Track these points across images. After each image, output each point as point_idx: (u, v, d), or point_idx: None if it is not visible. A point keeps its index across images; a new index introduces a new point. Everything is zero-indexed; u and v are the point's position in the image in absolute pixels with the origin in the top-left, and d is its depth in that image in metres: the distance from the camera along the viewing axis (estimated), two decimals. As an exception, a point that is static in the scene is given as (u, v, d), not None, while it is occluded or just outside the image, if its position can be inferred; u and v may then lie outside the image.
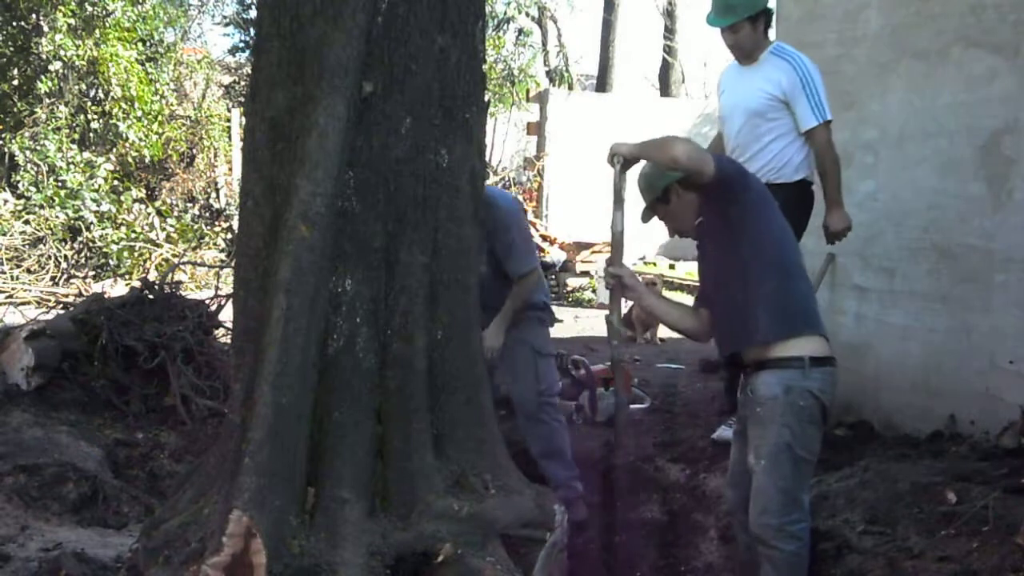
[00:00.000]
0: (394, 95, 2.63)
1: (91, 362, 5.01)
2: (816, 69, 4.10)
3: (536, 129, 14.19)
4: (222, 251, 10.93)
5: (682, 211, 3.11)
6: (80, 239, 9.73)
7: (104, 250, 9.73)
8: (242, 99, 13.55)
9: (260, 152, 2.64)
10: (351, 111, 2.55)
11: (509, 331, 3.92)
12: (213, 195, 12.87)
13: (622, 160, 3.12)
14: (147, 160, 11.87)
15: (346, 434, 2.55)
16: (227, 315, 4.43)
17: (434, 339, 2.73)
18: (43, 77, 10.67)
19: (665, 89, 19.40)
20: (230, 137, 13.09)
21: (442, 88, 2.72)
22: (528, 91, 14.62)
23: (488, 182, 4.33)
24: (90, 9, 10.87)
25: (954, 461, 3.77)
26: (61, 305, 7.62)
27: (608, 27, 18.42)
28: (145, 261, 9.82)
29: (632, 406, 5.07)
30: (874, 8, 4.58)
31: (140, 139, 11.24)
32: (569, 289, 11.23)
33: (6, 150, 10.51)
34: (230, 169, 12.86)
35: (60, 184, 10.06)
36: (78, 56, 10.68)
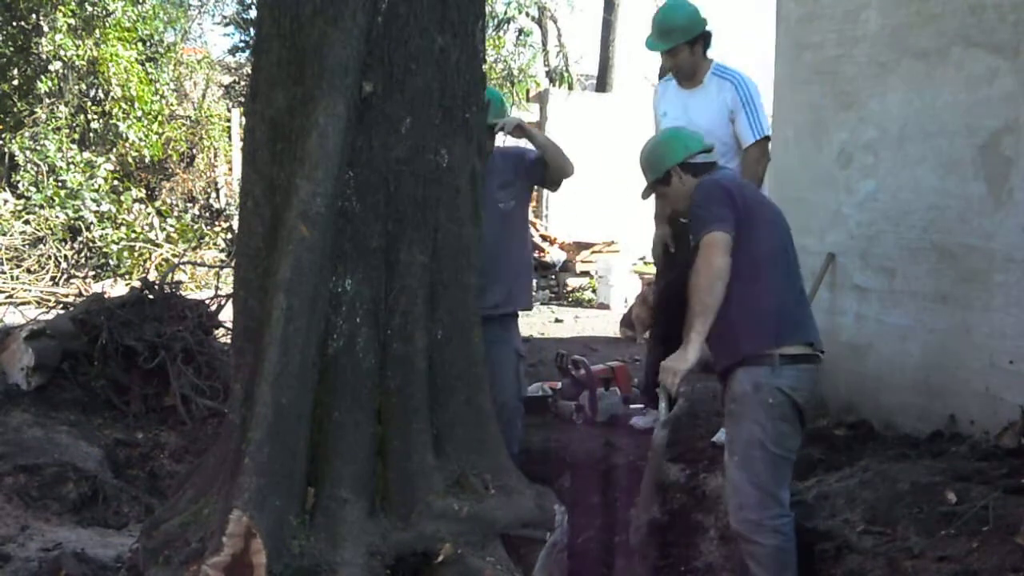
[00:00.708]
0: (394, 95, 2.64)
1: (91, 362, 5.00)
2: (755, 87, 4.24)
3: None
4: (222, 251, 10.91)
5: (681, 193, 3.20)
6: (80, 239, 9.71)
7: (104, 250, 9.70)
8: (242, 99, 13.55)
9: (260, 152, 2.64)
10: (351, 111, 2.55)
11: (494, 331, 3.86)
12: (213, 195, 12.87)
13: (668, 395, 3.11)
14: (147, 160, 11.86)
15: (346, 434, 2.55)
16: (227, 315, 4.43)
17: (434, 339, 2.73)
18: (43, 77, 10.65)
19: (665, 89, 19.35)
20: (230, 137, 13.09)
21: (442, 88, 2.73)
22: (528, 91, 14.59)
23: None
24: (90, 9, 10.85)
25: (954, 461, 3.76)
26: (61, 305, 7.60)
27: (608, 27, 18.37)
28: (145, 261, 9.79)
29: (632, 406, 5.08)
30: (874, 8, 4.57)
31: (140, 139, 11.23)
32: (569, 289, 11.21)
33: (6, 150, 10.50)
34: (230, 169, 12.86)
35: (60, 184, 10.05)
36: (78, 56, 10.67)
